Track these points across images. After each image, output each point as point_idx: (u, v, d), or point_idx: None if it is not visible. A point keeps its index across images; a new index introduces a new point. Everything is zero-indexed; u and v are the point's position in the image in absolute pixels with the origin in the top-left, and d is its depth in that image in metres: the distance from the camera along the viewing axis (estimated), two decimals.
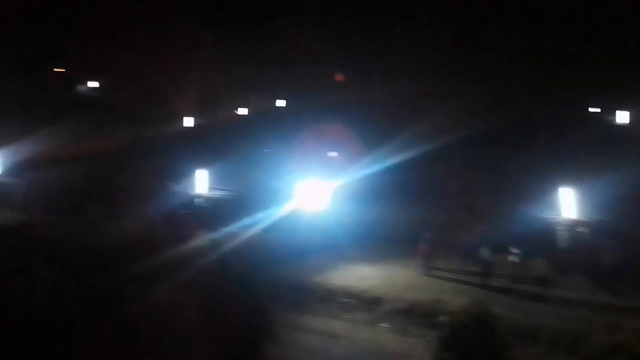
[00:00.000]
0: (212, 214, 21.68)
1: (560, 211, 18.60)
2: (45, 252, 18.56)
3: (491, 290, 16.40)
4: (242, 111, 43.73)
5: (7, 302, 14.56)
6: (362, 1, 40.63)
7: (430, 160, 26.13)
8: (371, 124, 32.35)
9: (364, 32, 40.89)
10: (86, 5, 41.78)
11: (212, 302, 14.43)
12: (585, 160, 23.71)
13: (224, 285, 15.27)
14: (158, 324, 13.51)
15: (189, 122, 40.53)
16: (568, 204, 18.52)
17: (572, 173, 20.63)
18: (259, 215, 20.07)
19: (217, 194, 23.54)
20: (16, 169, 26.85)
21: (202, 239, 18.65)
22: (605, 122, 33.87)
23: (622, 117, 33.09)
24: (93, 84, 53.77)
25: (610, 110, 34.45)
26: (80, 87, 54.33)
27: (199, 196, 23.08)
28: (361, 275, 17.45)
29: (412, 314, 15.38)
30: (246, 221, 19.76)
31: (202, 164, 23.79)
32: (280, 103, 46.46)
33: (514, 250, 17.33)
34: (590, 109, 36.26)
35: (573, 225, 18.36)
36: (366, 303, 16.10)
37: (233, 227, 19.58)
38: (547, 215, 19.00)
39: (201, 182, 23.31)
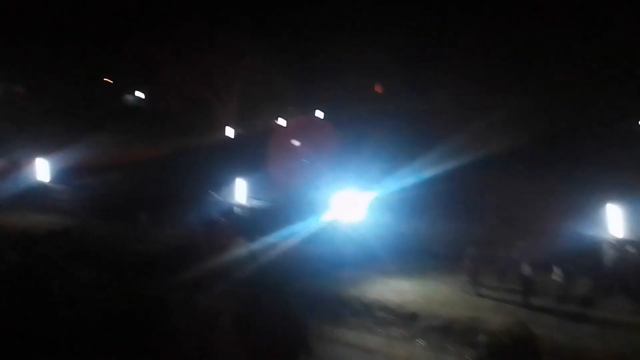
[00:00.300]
0: (250, 223, 21.93)
1: (607, 229, 17.89)
2: (89, 256, 19.28)
3: (532, 310, 15.84)
4: (281, 122, 44.29)
5: (50, 304, 15.15)
6: (400, 13, 40.53)
7: (470, 173, 25.69)
8: (409, 135, 32.14)
9: (402, 42, 40.77)
10: (133, 20, 43.41)
11: (248, 311, 14.59)
12: (634, 176, 22.77)
13: (260, 295, 15.42)
14: (196, 332, 13.76)
15: (229, 132, 41.34)
16: (615, 221, 17.80)
17: (620, 189, 19.85)
18: (296, 226, 20.18)
19: (255, 203, 23.81)
20: (64, 176, 27.90)
21: (240, 249, 18.95)
22: None
23: None
24: (139, 94, 55.71)
25: None
26: (127, 97, 56.37)
27: (237, 205, 23.41)
28: (398, 290, 17.21)
29: (449, 332, 15.04)
30: (283, 231, 19.92)
31: (241, 174, 24.16)
32: (319, 114, 46.80)
33: (558, 268, 16.75)
34: None
35: (620, 243, 17.60)
36: (402, 318, 15.84)
37: (270, 237, 19.79)
38: (593, 232, 18.30)
39: (240, 192, 23.65)
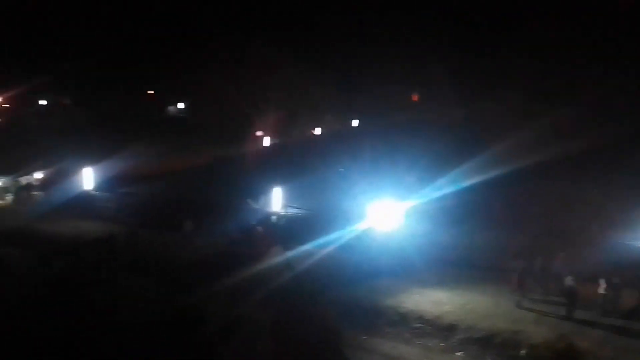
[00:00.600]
0: (287, 231, 22.09)
1: None
2: (133, 263, 19.81)
3: (577, 323, 15.27)
4: (318, 131, 44.52)
5: (93, 310, 15.62)
6: (436, 22, 40.27)
7: (510, 182, 25.12)
8: (447, 144, 31.73)
9: (439, 51, 40.42)
10: (174, 35, 44.87)
11: (285, 320, 14.68)
12: None
13: (296, 304, 15.49)
14: (233, 340, 13.92)
15: (267, 141, 41.87)
16: None
17: None
18: (332, 235, 20.19)
19: (292, 212, 23.96)
20: (109, 184, 28.82)
21: (277, 257, 19.08)
22: None
23: None
24: (180, 106, 57.25)
25: None
26: (169, 109, 58.01)
27: (274, 213, 23.63)
28: (435, 300, 16.93)
29: (489, 344, 14.66)
30: (319, 240, 19.96)
31: (278, 182, 24.40)
32: (355, 122, 46.81)
33: (603, 280, 16.12)
34: None
35: None
36: (440, 329, 15.55)
37: (306, 246, 19.86)
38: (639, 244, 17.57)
39: (277, 200, 23.89)
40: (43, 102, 55.34)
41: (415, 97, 47.53)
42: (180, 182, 30.95)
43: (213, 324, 14.47)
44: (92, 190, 27.99)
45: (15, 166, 31.29)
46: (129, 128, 44.71)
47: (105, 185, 28.60)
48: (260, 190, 24.65)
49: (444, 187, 24.21)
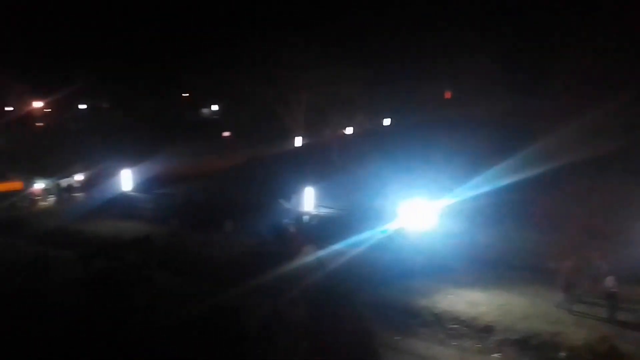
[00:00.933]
0: (319, 231, 22.13)
1: None
2: (171, 263, 20.24)
3: (618, 325, 14.74)
4: (350, 130, 44.47)
5: (130, 308, 16.02)
6: (468, 20, 39.65)
7: (549, 180, 24.47)
8: (482, 141, 31.17)
9: (471, 47, 39.78)
10: (207, 39, 45.73)
11: (318, 319, 14.71)
12: None
13: (330, 304, 15.50)
14: (267, 339, 14.05)
15: (298, 141, 42.07)
16: None
17: None
18: (365, 234, 20.11)
19: (324, 211, 24.01)
20: (147, 185, 29.51)
21: (309, 256, 19.14)
22: None
23: None
24: (214, 107, 58.22)
25: None
26: (203, 110, 59.05)
27: (306, 213, 23.71)
28: (471, 301, 16.63)
29: (527, 346, 14.32)
30: (352, 239, 19.91)
31: (310, 182, 24.47)
32: (387, 121, 46.53)
33: None
34: None
35: None
36: (476, 331, 15.27)
37: (338, 245, 19.84)
38: None
39: (309, 200, 23.96)
40: (82, 106, 57.20)
41: (448, 95, 46.94)
42: (214, 182, 31.46)
43: (250, 321, 14.65)
44: (131, 191, 28.70)
45: (56, 169, 32.44)
46: (165, 130, 45.74)
47: (143, 186, 29.25)
48: (293, 190, 24.77)
49: (480, 186, 23.77)
